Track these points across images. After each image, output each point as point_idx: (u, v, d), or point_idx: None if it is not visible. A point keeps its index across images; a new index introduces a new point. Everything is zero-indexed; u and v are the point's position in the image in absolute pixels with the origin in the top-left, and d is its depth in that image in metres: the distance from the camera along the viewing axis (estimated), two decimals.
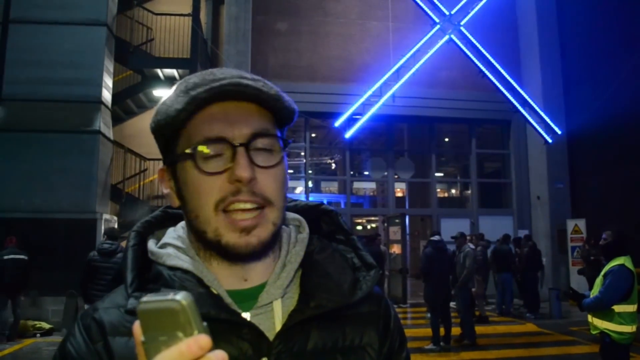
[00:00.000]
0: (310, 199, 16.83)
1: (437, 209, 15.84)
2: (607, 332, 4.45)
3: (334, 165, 22.49)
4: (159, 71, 12.87)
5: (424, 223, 18.35)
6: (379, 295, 0.93)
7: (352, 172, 16.81)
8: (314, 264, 0.85)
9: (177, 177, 0.80)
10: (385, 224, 15.23)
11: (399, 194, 18.05)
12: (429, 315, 8.94)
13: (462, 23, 13.83)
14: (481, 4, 14.00)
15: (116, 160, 12.33)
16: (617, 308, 4.40)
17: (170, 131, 0.79)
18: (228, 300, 0.78)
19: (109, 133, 11.62)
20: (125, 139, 13.12)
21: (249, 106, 0.78)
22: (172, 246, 0.83)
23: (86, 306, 6.32)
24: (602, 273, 4.58)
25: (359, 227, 23.80)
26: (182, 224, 0.86)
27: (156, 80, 13.12)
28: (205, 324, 0.52)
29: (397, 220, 14.12)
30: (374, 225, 22.65)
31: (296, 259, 0.84)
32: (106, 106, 11.36)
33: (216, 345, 0.52)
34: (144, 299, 0.52)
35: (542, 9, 15.54)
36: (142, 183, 12.92)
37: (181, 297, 0.51)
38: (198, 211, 0.76)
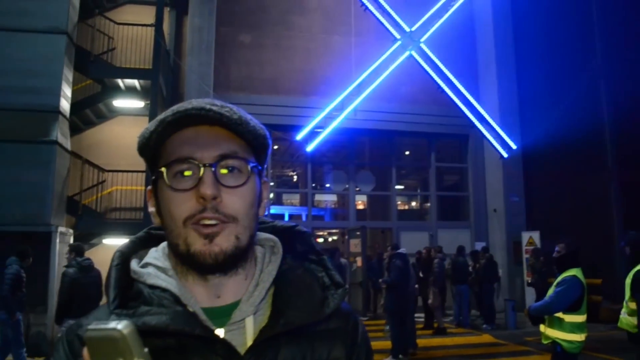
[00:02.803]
0: (272, 211, 16.82)
1: (397, 222, 16.06)
2: (558, 342, 4.61)
3: (295, 178, 22.49)
4: (119, 81, 12.68)
5: (384, 235, 18.54)
6: (348, 312, 0.98)
7: (313, 185, 16.87)
8: (285, 282, 0.91)
9: (157, 195, 0.87)
10: (346, 237, 15.33)
11: (360, 207, 18.20)
12: (387, 327, 9.02)
13: (422, 40, 14.17)
14: (441, 21, 14.36)
15: (73, 171, 12.03)
16: (568, 318, 4.56)
17: (149, 153, 0.87)
18: (203, 317, 0.83)
19: (67, 143, 11.36)
20: (83, 149, 12.85)
21: (219, 130, 0.85)
22: (152, 265, 0.88)
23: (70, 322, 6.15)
24: (555, 283, 4.74)
25: (320, 240, 23.81)
26: (164, 244, 0.92)
27: (117, 91, 12.92)
28: (146, 350, 0.59)
29: (357, 233, 14.23)
30: (335, 237, 22.71)
31: (269, 278, 0.90)
32: (64, 116, 11.11)
33: None
34: (90, 326, 0.58)
35: (499, 27, 16.05)
36: (99, 195, 12.64)
37: (122, 326, 0.57)
38: (172, 226, 0.83)
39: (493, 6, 16.12)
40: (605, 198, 12.99)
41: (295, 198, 23.23)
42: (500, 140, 14.57)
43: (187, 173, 0.83)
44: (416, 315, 9.40)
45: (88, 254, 7.60)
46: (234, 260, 0.85)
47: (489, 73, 16.13)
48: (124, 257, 0.91)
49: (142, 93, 12.97)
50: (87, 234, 12.33)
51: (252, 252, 0.91)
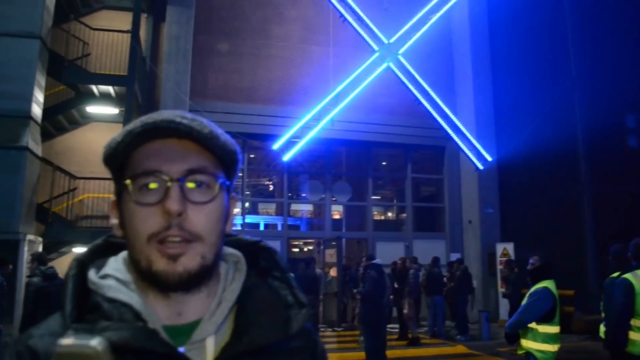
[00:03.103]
0: (247, 220, 16.70)
1: (373, 232, 16.08)
2: (531, 352, 4.65)
3: (271, 187, 22.42)
4: (94, 87, 12.50)
5: (360, 246, 18.56)
6: (309, 331, 0.96)
7: (289, 194, 16.82)
8: (249, 300, 0.88)
9: (121, 208, 0.83)
10: (322, 247, 15.29)
11: (336, 217, 18.19)
12: (362, 338, 8.99)
13: (400, 52, 14.28)
14: (419, 34, 14.51)
15: (44, 178, 11.79)
16: (541, 329, 4.61)
17: (115, 163, 0.84)
18: (163, 334, 0.80)
19: (38, 149, 11.14)
20: (55, 156, 12.61)
21: (189, 144, 0.82)
22: (112, 277, 0.84)
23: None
24: (527, 294, 4.81)
25: (296, 250, 23.72)
26: (124, 254, 0.88)
27: (91, 97, 12.73)
28: None
29: (333, 243, 14.21)
30: (310, 247, 22.65)
31: (232, 296, 0.87)
32: (35, 121, 10.91)
33: None
34: (63, 342, 0.55)
35: (475, 41, 16.29)
36: (70, 202, 12.39)
37: (96, 343, 0.54)
38: (134, 241, 0.80)
39: (470, 20, 16.36)
40: (578, 211, 13.22)
41: (271, 207, 23.15)
42: (476, 152, 14.74)
43: (152, 186, 0.80)
44: (391, 325, 9.39)
45: (57, 262, 7.46)
46: (198, 280, 0.82)
47: (465, 86, 16.34)
48: (81, 267, 0.87)
49: (116, 100, 12.81)
50: (56, 242, 12.07)
51: (217, 270, 0.88)
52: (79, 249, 12.25)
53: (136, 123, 0.81)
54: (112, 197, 0.88)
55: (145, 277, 0.81)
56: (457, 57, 16.84)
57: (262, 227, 21.51)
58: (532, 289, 4.78)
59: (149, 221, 0.78)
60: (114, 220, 0.86)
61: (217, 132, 0.85)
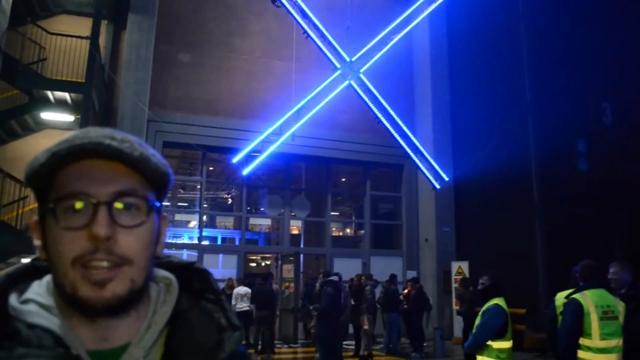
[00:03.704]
0: (204, 233, 16.46)
1: (331, 248, 16.10)
2: None
3: (230, 200, 22.22)
4: (49, 93, 12.16)
5: (318, 262, 18.55)
6: (242, 354, 0.94)
7: (248, 208, 16.70)
8: (180, 323, 0.86)
9: (44, 229, 0.80)
10: (279, 262, 15.20)
11: (295, 232, 18.14)
12: (317, 355, 8.94)
13: (361, 70, 14.45)
14: (380, 53, 14.72)
15: None
16: (495, 345, 4.71)
17: (38, 184, 0.80)
18: None
19: None
20: (6, 162, 12.16)
21: (118, 166, 0.78)
22: (34, 302, 0.80)
23: None
24: (480, 313, 4.90)
25: (253, 264, 23.52)
26: (49, 277, 0.84)
27: (46, 103, 12.37)
28: None
29: (291, 258, 14.14)
30: (268, 262, 22.49)
31: (162, 319, 0.84)
32: None
33: None
34: None
35: (435, 63, 16.67)
36: (20, 211, 11.96)
37: None
38: (58, 264, 0.76)
39: (430, 42, 16.74)
40: (530, 231, 13.56)
41: (229, 221, 22.94)
42: (433, 171, 15.00)
43: (78, 206, 0.76)
44: (346, 342, 9.37)
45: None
46: (127, 305, 0.79)
47: (424, 106, 16.65)
48: (1, 291, 0.83)
49: (72, 107, 12.49)
50: (4, 252, 11.61)
51: (147, 293, 0.85)
52: (28, 260, 11.83)
53: (61, 143, 0.77)
54: (34, 217, 0.84)
55: (70, 302, 0.77)
56: (417, 78, 17.18)
57: (219, 241, 21.26)
58: (484, 307, 4.89)
59: (73, 245, 0.75)
60: (37, 242, 0.83)
61: (148, 154, 0.81)
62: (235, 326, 0.90)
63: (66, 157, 0.76)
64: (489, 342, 4.72)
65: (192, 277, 0.94)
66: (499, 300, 4.84)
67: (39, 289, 0.83)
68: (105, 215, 0.75)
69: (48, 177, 0.78)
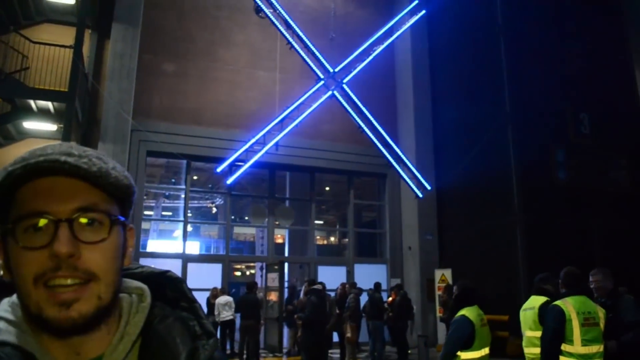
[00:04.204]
0: (189, 242, 16.40)
1: (316, 257, 16.15)
2: None
3: (214, 210, 22.16)
4: (32, 102, 12.07)
5: (302, 270, 18.57)
6: None
7: (232, 217, 16.69)
8: (154, 333, 0.85)
9: (6, 249, 0.78)
10: (264, 271, 15.19)
11: (279, 241, 18.16)
12: None
13: (344, 81, 14.60)
14: (363, 64, 14.90)
15: None
16: (463, 355, 4.73)
17: None
18: None
19: None
20: None
21: (77, 182, 0.78)
22: (3, 319, 0.80)
23: None
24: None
25: (238, 273, 23.44)
26: None
27: (28, 112, 12.28)
28: None
29: (275, 267, 14.14)
30: (252, 271, 22.43)
31: (135, 330, 0.84)
32: None
33: None
34: None
35: (417, 74, 16.90)
36: None
37: None
38: (20, 285, 0.76)
39: (412, 54, 16.98)
40: (511, 239, 13.72)
41: (214, 230, 22.84)
42: (416, 180, 15.16)
43: (40, 224, 0.75)
44: (332, 350, 9.41)
45: None
46: (96, 322, 0.78)
47: (407, 116, 16.85)
48: None
49: (55, 116, 12.42)
50: None
51: (116, 306, 0.84)
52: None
53: (17, 162, 0.76)
54: None
55: (36, 322, 0.76)
56: (399, 88, 17.40)
57: (204, 250, 21.17)
58: (453, 318, 4.91)
59: (33, 264, 0.74)
60: None
61: (107, 169, 0.80)
62: (209, 333, 0.90)
63: (21, 176, 0.75)
64: (459, 353, 4.76)
65: (165, 285, 0.93)
66: (466, 311, 4.76)
67: (8, 307, 0.81)
68: (67, 233, 0.74)
69: (6, 196, 0.77)
